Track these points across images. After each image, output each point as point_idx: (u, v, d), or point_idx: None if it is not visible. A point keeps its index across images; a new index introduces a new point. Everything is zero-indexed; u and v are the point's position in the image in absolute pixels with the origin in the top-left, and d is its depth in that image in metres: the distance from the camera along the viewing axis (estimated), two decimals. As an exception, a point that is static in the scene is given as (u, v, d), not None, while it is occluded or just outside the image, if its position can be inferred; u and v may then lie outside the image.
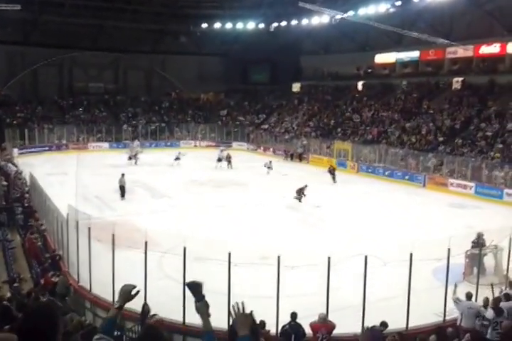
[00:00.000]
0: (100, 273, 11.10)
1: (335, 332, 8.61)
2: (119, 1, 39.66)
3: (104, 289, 10.62)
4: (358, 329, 8.01)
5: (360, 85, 40.01)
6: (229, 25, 42.68)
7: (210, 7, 42.65)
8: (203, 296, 2.82)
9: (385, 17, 33.15)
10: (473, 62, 32.99)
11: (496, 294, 9.65)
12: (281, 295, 9.22)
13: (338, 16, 34.96)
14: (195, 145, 41.43)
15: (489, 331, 8.03)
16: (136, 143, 36.42)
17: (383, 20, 32.63)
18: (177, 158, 31.11)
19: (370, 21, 32.77)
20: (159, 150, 38.58)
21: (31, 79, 41.60)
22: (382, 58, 38.91)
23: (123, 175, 22.33)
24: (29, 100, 40.61)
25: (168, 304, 9.96)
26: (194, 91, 46.76)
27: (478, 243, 12.51)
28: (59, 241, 13.36)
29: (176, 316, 9.59)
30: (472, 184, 24.21)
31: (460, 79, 32.55)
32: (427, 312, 10.01)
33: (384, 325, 8.49)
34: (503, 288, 10.20)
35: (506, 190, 22.63)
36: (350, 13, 34.51)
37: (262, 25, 42.36)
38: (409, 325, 9.41)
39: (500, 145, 25.63)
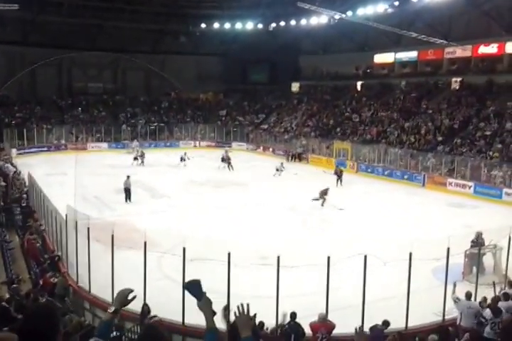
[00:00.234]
0: (99, 273, 11.06)
1: (335, 331, 8.61)
2: (119, 1, 39.50)
3: (103, 290, 10.59)
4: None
5: (359, 85, 40.12)
6: (228, 25, 42.64)
7: (209, 7, 42.56)
8: (204, 293, 2.70)
9: (383, 17, 33.21)
10: (472, 62, 33.05)
11: (496, 293, 9.66)
12: (281, 295, 9.21)
13: (337, 16, 35.01)
14: (195, 146, 41.35)
15: (487, 329, 8.03)
16: (135, 143, 36.38)
17: (382, 20, 32.71)
18: (182, 159, 30.75)
19: (368, 21, 32.86)
20: (158, 150, 38.54)
21: (30, 79, 41.46)
22: (381, 58, 38.99)
23: (128, 177, 21.55)
24: (28, 100, 40.52)
25: (168, 304, 9.94)
26: (193, 91, 46.74)
27: (478, 242, 12.54)
28: (58, 242, 13.31)
29: (175, 317, 9.56)
30: (471, 183, 24.24)
31: (459, 79, 32.64)
32: (426, 312, 10.00)
33: (386, 323, 8.51)
34: (502, 287, 10.22)
35: (505, 190, 22.67)
36: (349, 13, 34.56)
37: (260, 25, 42.38)
38: (409, 325, 9.40)
39: (499, 145, 25.68)
